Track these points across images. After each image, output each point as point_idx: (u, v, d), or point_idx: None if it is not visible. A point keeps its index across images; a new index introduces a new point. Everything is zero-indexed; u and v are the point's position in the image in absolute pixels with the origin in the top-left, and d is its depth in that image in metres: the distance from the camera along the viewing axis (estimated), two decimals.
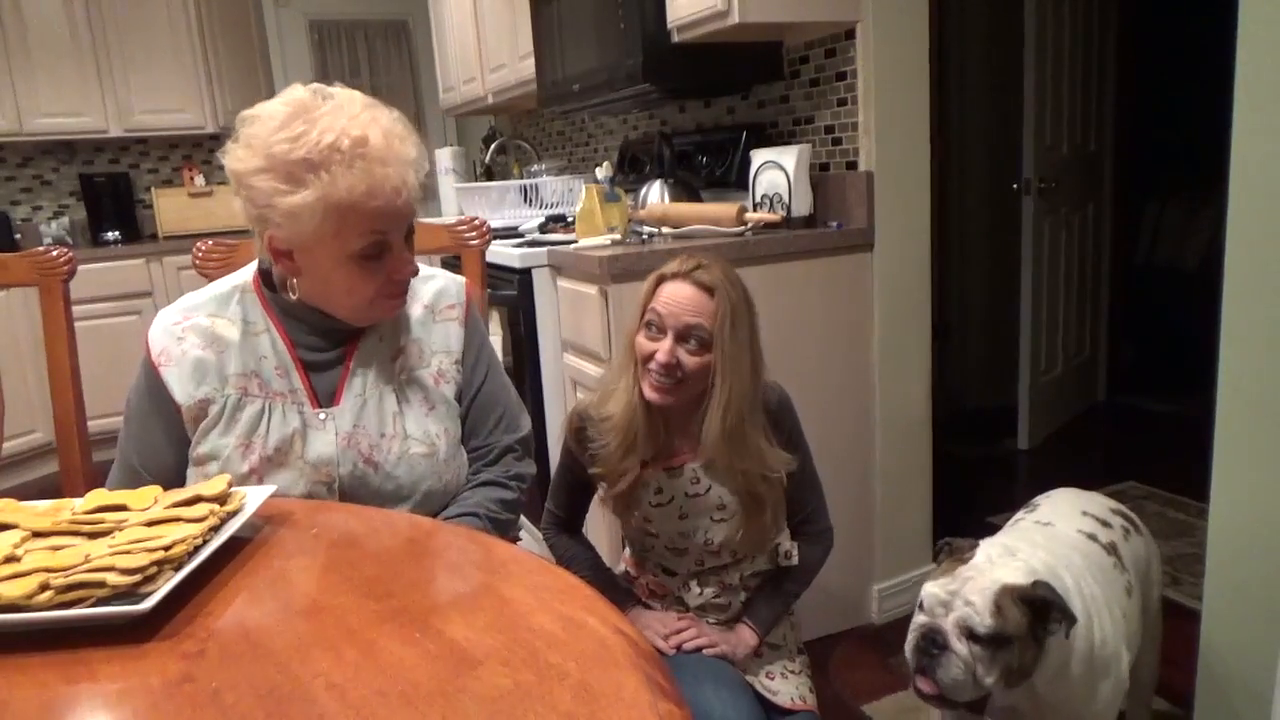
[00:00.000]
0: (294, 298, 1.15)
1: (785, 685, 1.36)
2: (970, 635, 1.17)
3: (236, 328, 1.17)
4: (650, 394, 1.28)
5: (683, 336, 1.25)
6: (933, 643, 1.20)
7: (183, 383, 1.14)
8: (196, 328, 1.17)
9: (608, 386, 1.37)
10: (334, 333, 1.20)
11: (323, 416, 1.16)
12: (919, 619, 1.23)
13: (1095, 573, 1.36)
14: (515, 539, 1.32)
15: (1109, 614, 1.32)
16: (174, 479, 1.16)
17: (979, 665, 1.17)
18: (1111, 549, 1.44)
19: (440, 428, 1.20)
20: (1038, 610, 1.18)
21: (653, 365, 1.26)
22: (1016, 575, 1.19)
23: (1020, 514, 1.58)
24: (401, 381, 1.20)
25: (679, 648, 1.32)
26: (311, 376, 1.18)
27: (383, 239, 1.10)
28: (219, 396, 1.14)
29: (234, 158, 1.08)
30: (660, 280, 1.29)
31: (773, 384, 1.37)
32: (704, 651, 1.32)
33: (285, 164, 1.04)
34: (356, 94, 1.12)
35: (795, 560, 1.44)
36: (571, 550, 1.47)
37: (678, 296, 1.26)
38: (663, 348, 1.25)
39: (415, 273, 1.18)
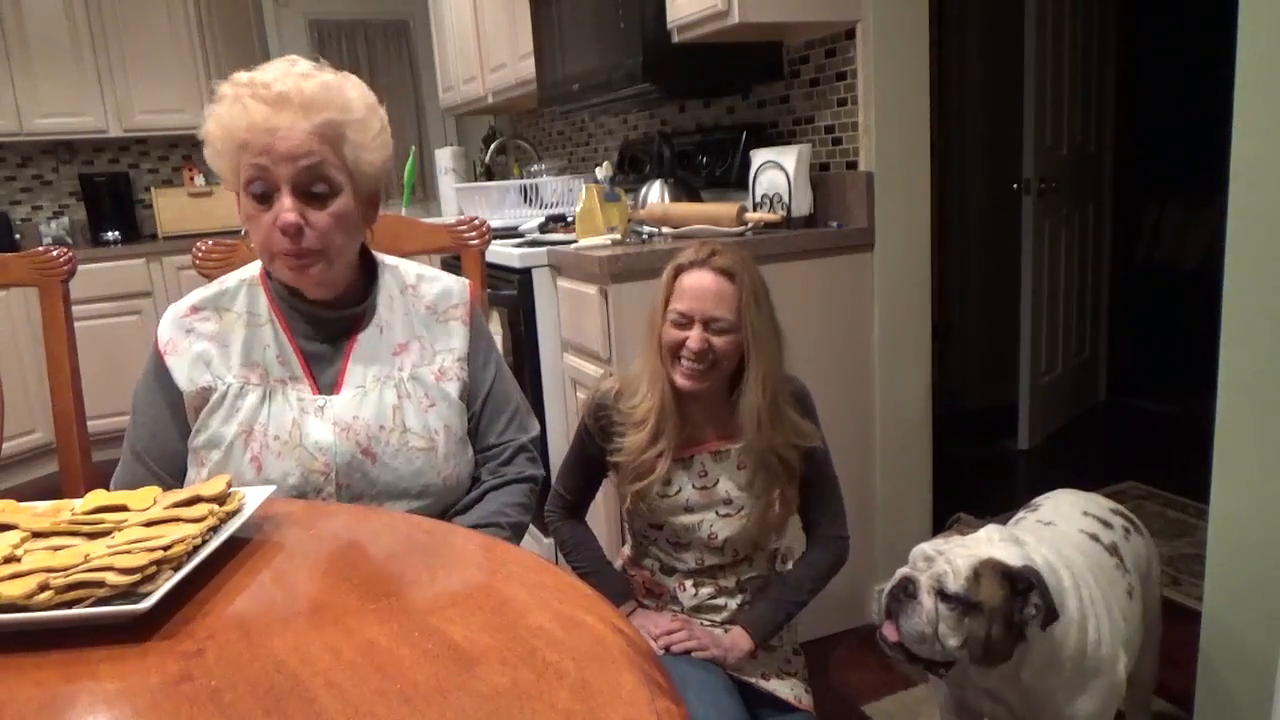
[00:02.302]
0: (250, 248, 1.21)
1: (781, 686, 1.36)
2: (940, 593, 1.19)
3: (241, 319, 1.20)
4: (683, 382, 1.30)
5: (709, 323, 1.27)
6: (904, 591, 1.23)
7: (186, 371, 1.17)
8: (203, 320, 1.20)
9: (631, 380, 1.37)
10: (334, 323, 1.21)
11: (321, 403, 1.17)
12: (901, 569, 1.26)
13: (1097, 574, 1.36)
14: (519, 542, 1.32)
15: (1108, 616, 1.32)
16: (179, 467, 1.19)
17: (942, 623, 1.19)
18: (1113, 550, 1.44)
19: (440, 423, 1.21)
20: (1018, 590, 1.19)
21: (684, 354, 1.28)
22: (1010, 558, 1.20)
23: (1022, 513, 1.58)
24: (402, 377, 1.21)
25: (669, 649, 1.32)
26: (312, 366, 1.20)
27: (260, 174, 1.11)
28: (220, 384, 1.16)
29: None
30: (679, 271, 1.30)
31: (791, 376, 1.39)
32: (694, 654, 1.32)
33: (215, 99, 1.14)
34: (314, 66, 1.16)
35: (789, 565, 1.44)
36: (576, 538, 1.46)
37: (701, 286, 1.27)
38: (693, 336, 1.27)
39: (292, 227, 1.10)
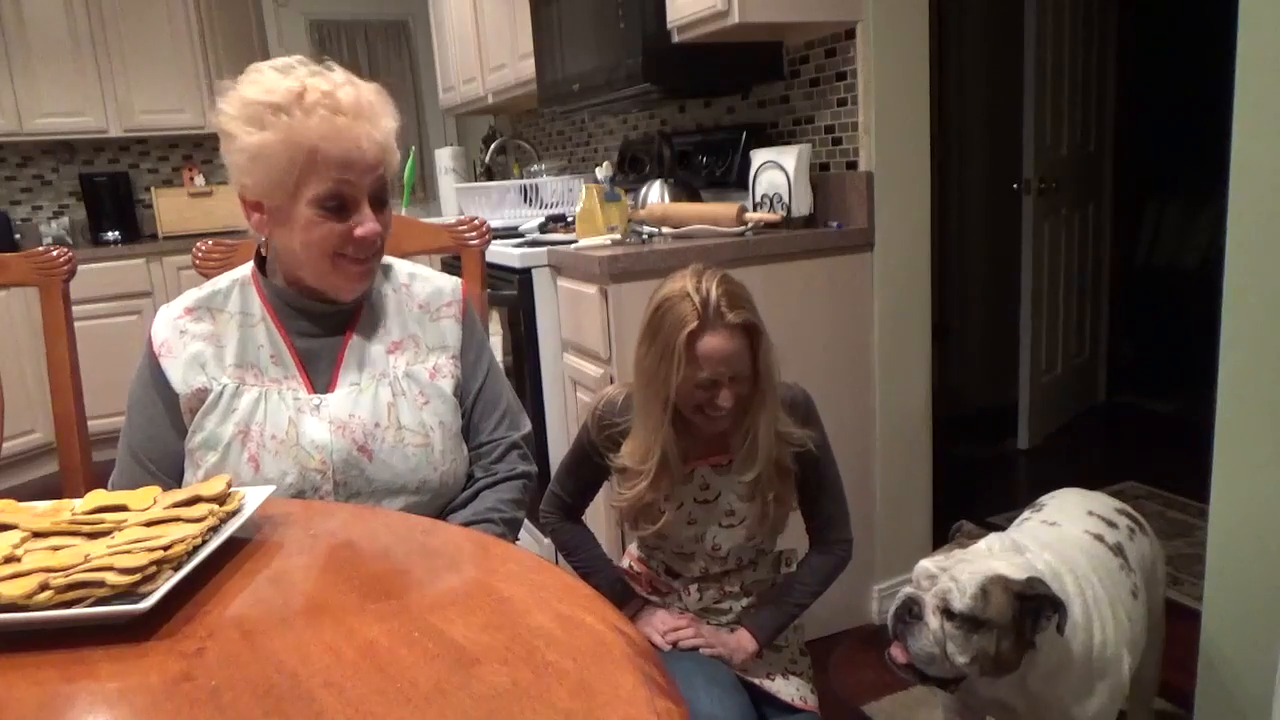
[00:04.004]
0: (263, 255, 1.21)
1: (787, 686, 1.36)
2: (946, 612, 1.18)
3: (235, 320, 1.20)
4: (712, 426, 1.29)
5: (734, 379, 1.24)
6: (909, 611, 1.21)
7: (181, 372, 1.17)
8: (197, 321, 1.20)
9: (631, 431, 1.32)
10: (328, 320, 1.21)
11: (316, 402, 1.18)
12: (904, 589, 1.25)
13: (1101, 575, 1.36)
14: (514, 538, 1.32)
15: (1112, 617, 1.32)
16: (176, 467, 1.19)
17: (950, 642, 1.18)
18: (1118, 550, 1.43)
19: (435, 420, 1.21)
20: (1028, 606, 1.18)
21: (720, 413, 1.25)
22: (1014, 570, 1.19)
23: (1026, 513, 1.58)
24: (397, 374, 1.22)
25: (675, 644, 1.32)
26: (306, 364, 1.20)
27: (344, 189, 1.12)
28: (215, 385, 1.17)
29: (218, 110, 1.13)
30: (692, 338, 1.21)
31: (792, 384, 1.37)
32: (700, 651, 1.32)
33: (254, 107, 1.10)
34: (342, 71, 1.17)
35: (794, 567, 1.44)
36: (575, 539, 1.46)
37: (723, 351, 1.21)
38: (724, 396, 1.23)
39: (377, 235, 1.16)
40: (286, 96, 1.09)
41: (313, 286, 1.19)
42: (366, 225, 1.14)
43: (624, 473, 1.32)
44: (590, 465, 1.40)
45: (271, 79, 1.11)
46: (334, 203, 1.12)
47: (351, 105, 1.11)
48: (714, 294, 1.22)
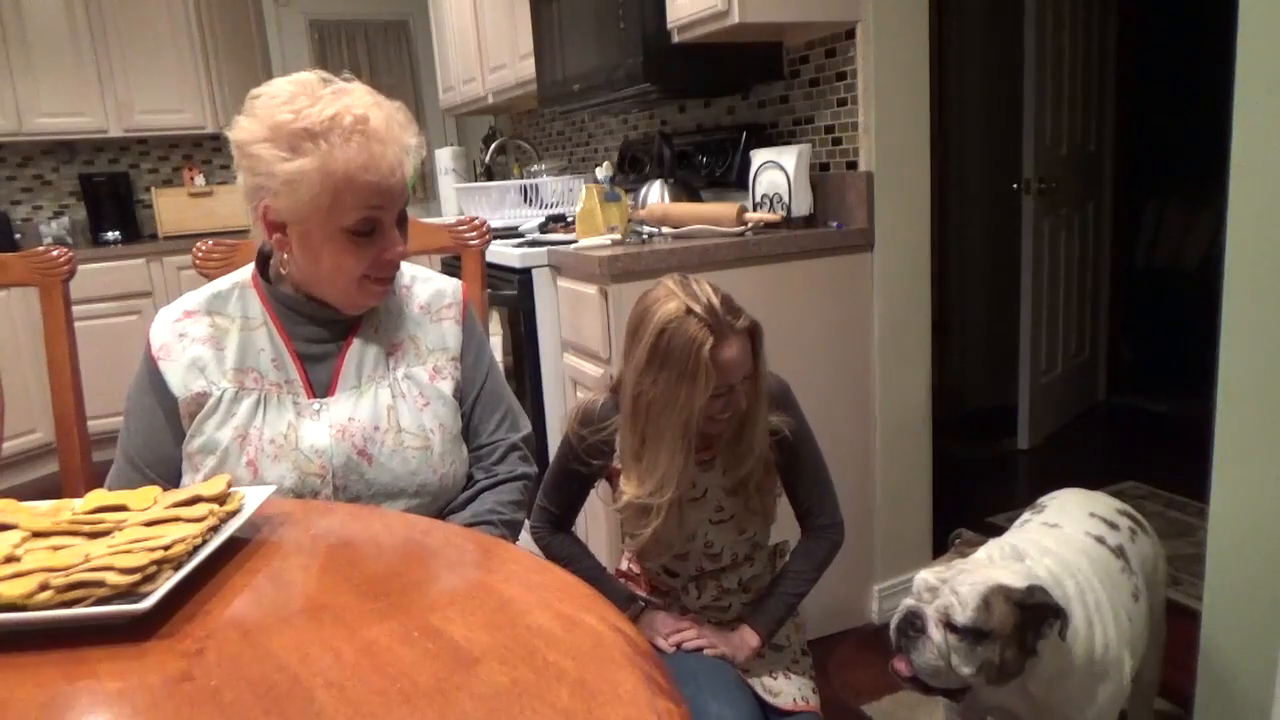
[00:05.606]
0: (282, 272, 1.20)
1: (788, 686, 1.36)
2: (948, 624, 1.18)
3: (235, 323, 1.20)
4: (715, 430, 1.29)
5: (744, 380, 1.25)
6: (911, 625, 1.21)
7: (180, 376, 1.17)
8: (196, 324, 1.19)
9: (629, 468, 1.29)
10: (330, 324, 1.21)
11: (317, 407, 1.17)
12: (906, 601, 1.25)
13: (1102, 577, 1.36)
14: (514, 540, 1.32)
15: (1114, 619, 1.32)
16: (173, 472, 1.18)
17: (954, 655, 1.18)
18: (1119, 552, 1.43)
19: (435, 423, 1.21)
20: (1029, 615, 1.18)
21: (728, 416, 1.26)
22: (1014, 579, 1.19)
23: (1027, 515, 1.58)
24: (396, 376, 1.22)
25: (679, 646, 1.32)
26: (307, 368, 1.20)
27: (375, 216, 1.12)
28: (215, 390, 1.16)
29: (239, 128, 1.12)
30: (714, 353, 1.20)
31: (770, 373, 1.38)
32: (704, 652, 1.32)
33: (287, 133, 1.08)
34: (361, 85, 1.16)
35: (787, 558, 1.44)
36: (568, 551, 1.46)
37: (739, 359, 1.22)
38: (737, 400, 1.24)
39: (403, 256, 1.19)
40: (321, 122, 1.07)
41: (323, 298, 1.19)
42: (395, 249, 1.16)
43: (627, 509, 1.30)
44: (577, 477, 1.39)
45: (301, 101, 1.09)
46: (366, 228, 1.12)
47: (384, 130, 1.11)
48: (715, 303, 1.22)
